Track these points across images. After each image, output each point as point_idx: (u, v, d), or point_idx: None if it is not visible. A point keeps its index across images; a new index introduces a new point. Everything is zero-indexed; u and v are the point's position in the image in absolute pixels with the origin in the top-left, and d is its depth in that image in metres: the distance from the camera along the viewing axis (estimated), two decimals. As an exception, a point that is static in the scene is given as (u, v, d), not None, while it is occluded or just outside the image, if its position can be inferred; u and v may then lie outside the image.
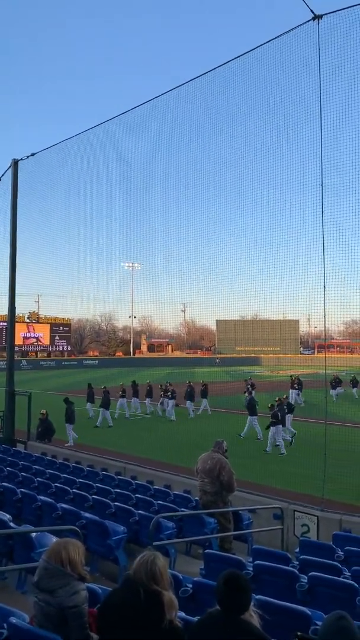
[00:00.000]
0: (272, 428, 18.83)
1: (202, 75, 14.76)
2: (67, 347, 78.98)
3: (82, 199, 25.48)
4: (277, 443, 18.76)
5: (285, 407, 20.24)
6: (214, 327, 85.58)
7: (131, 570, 3.33)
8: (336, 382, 33.40)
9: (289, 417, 20.59)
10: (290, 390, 30.86)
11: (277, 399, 20.61)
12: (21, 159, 20.52)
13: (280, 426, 19.01)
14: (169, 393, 26.64)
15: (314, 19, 10.72)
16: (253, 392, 28.44)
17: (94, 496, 9.66)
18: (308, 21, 10.82)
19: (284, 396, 22.85)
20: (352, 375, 36.87)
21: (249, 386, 30.14)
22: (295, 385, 31.19)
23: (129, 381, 29.71)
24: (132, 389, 28.94)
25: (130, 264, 54.82)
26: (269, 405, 19.82)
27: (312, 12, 10.54)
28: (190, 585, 5.12)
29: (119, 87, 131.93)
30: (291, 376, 32.90)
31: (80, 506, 9.11)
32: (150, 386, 28.98)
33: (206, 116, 18.04)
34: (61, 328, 77.66)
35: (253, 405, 21.59)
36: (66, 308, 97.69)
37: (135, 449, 19.16)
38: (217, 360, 72.43)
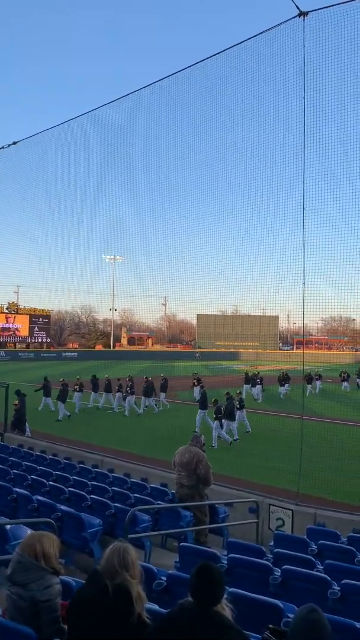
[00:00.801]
0: (214, 423, 18.97)
1: (184, 69, 14.68)
2: (47, 339, 78.30)
3: (64, 191, 25.26)
4: (220, 437, 18.89)
5: (236, 402, 20.36)
6: (194, 322, 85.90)
7: (102, 562, 3.30)
8: (310, 378, 34.02)
9: (240, 413, 20.69)
10: (245, 386, 31.12)
11: (226, 393, 20.78)
12: (2, 148, 20.20)
13: (224, 421, 19.13)
14: (128, 388, 26.31)
15: (299, 15, 10.73)
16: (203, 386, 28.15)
17: (70, 489, 9.62)
18: (294, 17, 10.83)
19: (237, 392, 22.65)
20: (341, 371, 37.51)
21: (195, 381, 29.70)
22: (257, 380, 31.38)
23: (104, 374, 29.62)
24: (91, 383, 28.51)
25: (112, 257, 54.58)
26: (213, 400, 20.13)
27: (298, 9, 10.55)
28: (165, 578, 5.13)
29: (97, 79, 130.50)
30: (246, 372, 33.10)
31: (56, 499, 9.07)
32: (109, 380, 28.37)
33: (189, 111, 18.01)
34: (41, 319, 76.94)
35: (205, 400, 21.59)
36: (46, 299, 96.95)
37: (112, 441, 19.13)
38: (197, 355, 72.65)
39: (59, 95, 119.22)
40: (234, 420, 19.75)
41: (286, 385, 33.01)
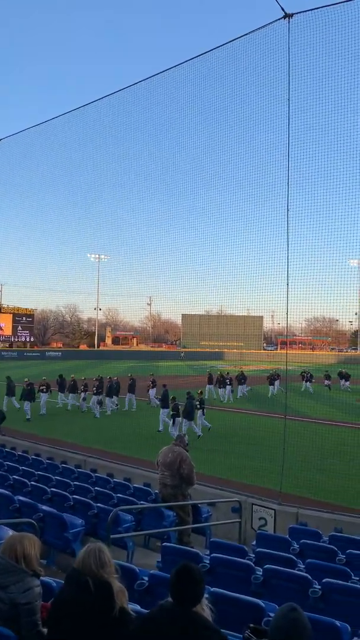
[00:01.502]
0: (174, 420, 19.10)
1: (169, 69, 14.70)
2: (30, 338, 77.64)
3: (47, 189, 25.07)
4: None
5: (196, 402, 20.42)
6: (179, 321, 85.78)
7: (77, 563, 3.28)
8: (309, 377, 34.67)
9: (200, 413, 20.76)
10: (207, 386, 30.84)
11: (187, 392, 20.85)
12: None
13: (179, 419, 19.21)
14: (94, 388, 25.87)
15: (285, 17, 10.79)
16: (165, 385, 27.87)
17: (52, 489, 9.56)
18: (279, 19, 10.88)
19: (199, 391, 22.54)
20: (343, 370, 37.54)
21: (150, 382, 29.00)
22: (227, 381, 30.95)
23: (92, 374, 29.38)
24: (57, 384, 27.99)
25: (97, 256, 54.31)
26: (171, 398, 20.28)
27: (283, 11, 10.61)
28: (147, 578, 5.12)
29: (94, 79, 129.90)
30: (209, 372, 32.67)
31: (39, 499, 9.00)
32: (75, 381, 27.73)
33: (174, 112, 17.99)
34: (24, 318, 76.24)
35: (166, 399, 21.57)
36: (30, 298, 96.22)
37: (96, 441, 19.05)
38: (182, 355, 72.58)
39: (57, 95, 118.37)
40: (192, 419, 19.89)
41: (276, 384, 33.23)
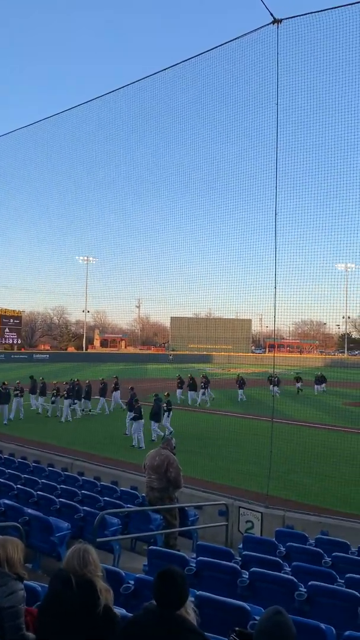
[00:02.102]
0: (134, 423, 19.10)
1: (157, 72, 14.73)
2: (17, 340, 77.15)
3: (36, 190, 24.95)
4: (139, 437, 19.01)
5: (164, 404, 20.45)
6: (168, 324, 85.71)
7: (63, 563, 3.30)
8: (278, 381, 34.11)
9: (167, 415, 20.82)
10: (178, 390, 30.44)
11: (154, 394, 20.87)
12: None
13: (142, 421, 19.24)
14: (65, 392, 25.16)
15: (273, 22, 10.88)
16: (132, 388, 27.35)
17: (38, 492, 9.50)
18: (268, 24, 10.97)
19: (166, 393, 22.35)
20: (319, 373, 37.47)
21: (114, 385, 28.43)
22: (202, 384, 30.59)
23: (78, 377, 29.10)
24: (31, 385, 27.56)
25: (86, 258, 54.13)
26: (134, 400, 20.37)
27: (272, 16, 10.69)
28: (132, 582, 5.10)
29: (72, 81, 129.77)
30: (179, 375, 31.92)
31: (24, 502, 8.94)
32: (44, 383, 27.29)
33: (163, 115, 18.04)
34: (11, 320, 75.75)
35: (132, 402, 21.47)
36: (17, 300, 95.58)
37: (83, 444, 18.98)
38: (170, 357, 72.53)
39: (53, 96, 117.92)
40: (159, 421, 19.95)
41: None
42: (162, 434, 19.79)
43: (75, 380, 26.95)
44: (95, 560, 3.29)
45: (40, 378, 28.09)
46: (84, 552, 3.28)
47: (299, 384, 36.44)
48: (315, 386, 36.67)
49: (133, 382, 29.17)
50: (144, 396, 23.88)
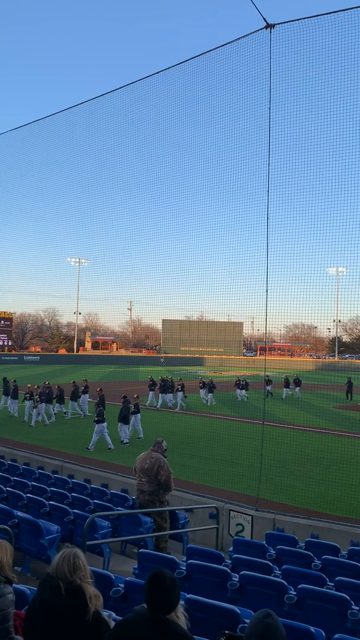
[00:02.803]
0: (96, 426, 19.08)
1: (150, 76, 14.77)
2: (8, 342, 76.79)
3: (27, 191, 24.85)
4: (92, 441, 18.95)
5: (132, 407, 20.46)
6: (159, 327, 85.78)
7: (51, 568, 3.24)
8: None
9: (136, 417, 20.79)
10: (150, 392, 30.07)
11: (123, 396, 20.86)
12: None
13: (105, 424, 19.18)
14: (37, 396, 24.34)
15: (266, 27, 10.94)
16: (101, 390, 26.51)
17: (28, 495, 9.44)
18: (261, 29, 11.03)
19: (135, 395, 22.26)
20: (295, 376, 36.83)
21: (83, 387, 27.65)
22: (178, 387, 29.87)
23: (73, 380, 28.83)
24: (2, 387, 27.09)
25: (77, 260, 54.06)
26: (95, 403, 20.42)
27: (265, 21, 10.76)
28: (122, 585, 5.08)
29: (70, 81, 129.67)
30: (150, 377, 31.41)
31: (14, 505, 8.89)
32: (16, 386, 26.72)
33: (156, 119, 18.06)
34: (2, 322, 75.38)
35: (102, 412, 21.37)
36: (8, 301, 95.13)
37: (74, 447, 18.92)
38: (162, 360, 72.54)
39: (45, 99, 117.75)
40: (128, 423, 19.93)
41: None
42: (124, 440, 19.81)
43: (46, 383, 26.44)
44: (85, 565, 3.26)
45: (13, 380, 27.63)
46: (74, 557, 3.23)
47: (268, 387, 34.60)
48: (285, 389, 35.54)
49: (125, 384, 29.14)
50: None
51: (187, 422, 22.88)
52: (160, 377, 30.63)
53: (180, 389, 29.60)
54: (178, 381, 30.44)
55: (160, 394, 29.55)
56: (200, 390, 32.19)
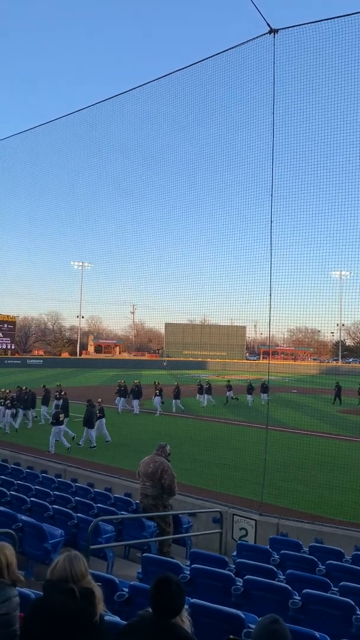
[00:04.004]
0: (53, 428, 19.17)
1: (153, 80, 14.84)
2: (11, 346, 76.87)
3: (31, 195, 24.97)
4: (57, 439, 19.08)
5: (97, 410, 20.47)
6: (162, 330, 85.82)
7: (55, 572, 3.20)
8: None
9: (100, 422, 20.81)
10: (118, 398, 29.53)
11: (87, 400, 20.87)
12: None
13: (62, 426, 19.41)
14: (7, 401, 23.80)
15: (270, 32, 10.99)
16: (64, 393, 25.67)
17: (32, 499, 9.44)
18: (264, 34, 11.08)
19: (99, 399, 21.93)
20: (263, 381, 35.34)
21: (57, 393, 25.97)
22: (157, 392, 29.41)
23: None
24: None
25: (80, 263, 54.18)
26: (54, 405, 20.50)
27: (269, 26, 10.81)
28: (127, 590, 5.08)
29: (73, 86, 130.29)
30: (119, 383, 30.81)
31: (18, 509, 8.88)
32: None
33: (160, 124, 18.14)
34: (5, 325, 75.49)
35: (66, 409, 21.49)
36: (11, 305, 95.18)
37: (77, 450, 18.94)
38: (165, 363, 72.51)
39: (49, 102, 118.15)
40: (92, 427, 19.93)
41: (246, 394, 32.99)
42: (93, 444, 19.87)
43: (24, 388, 25.82)
44: (86, 566, 3.24)
45: None
46: (77, 560, 3.21)
47: (229, 393, 34.15)
48: (248, 396, 33.77)
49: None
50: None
51: (190, 426, 22.86)
52: (134, 382, 29.95)
53: (158, 394, 29.16)
54: (156, 386, 29.93)
55: (132, 400, 29.02)
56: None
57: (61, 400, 22.16)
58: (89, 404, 20.36)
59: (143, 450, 10.80)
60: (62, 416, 19.55)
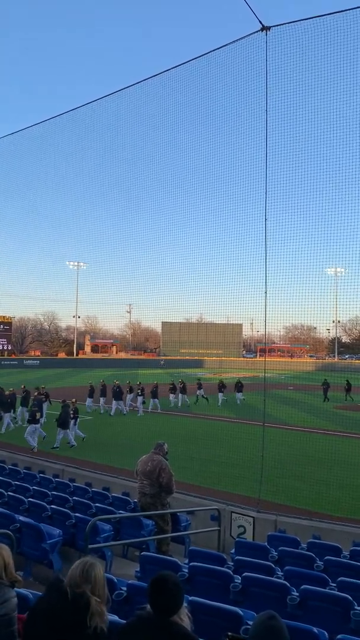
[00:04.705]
0: (29, 426, 19.27)
1: (147, 79, 14.82)
2: (8, 346, 76.72)
3: (25, 195, 24.89)
4: (31, 442, 19.05)
5: (71, 411, 20.48)
6: (159, 329, 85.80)
7: (68, 573, 3.23)
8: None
9: (75, 422, 20.89)
10: (88, 399, 29.30)
11: (62, 400, 20.90)
12: None
13: (37, 425, 19.45)
14: None
15: (262, 29, 10.99)
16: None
17: (30, 499, 9.42)
18: (257, 32, 11.08)
19: (73, 400, 22.01)
20: (237, 380, 34.90)
21: (43, 395, 25.82)
22: (138, 391, 29.34)
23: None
24: None
25: (76, 263, 54.09)
26: (30, 406, 20.52)
27: (261, 23, 10.80)
28: (125, 588, 5.08)
29: (63, 87, 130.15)
30: (91, 384, 30.54)
31: (15, 509, 8.86)
32: None
33: (153, 121, 18.12)
34: (1, 326, 75.31)
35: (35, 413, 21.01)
36: (7, 306, 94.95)
37: (74, 451, 18.92)
38: (162, 362, 72.55)
39: (43, 103, 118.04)
40: (67, 428, 19.92)
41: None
42: (70, 444, 19.90)
43: (11, 390, 25.33)
44: (98, 579, 3.18)
45: None
46: (89, 566, 3.19)
47: (199, 391, 33.46)
48: (219, 395, 32.93)
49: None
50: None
51: (187, 424, 22.87)
52: (114, 382, 29.65)
53: (140, 394, 29.08)
54: (138, 385, 29.82)
55: (113, 401, 28.77)
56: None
57: (40, 399, 22.16)
58: (63, 404, 20.43)
59: (141, 450, 10.81)
60: (38, 414, 19.66)
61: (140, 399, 29.04)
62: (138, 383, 30.22)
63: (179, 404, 31.66)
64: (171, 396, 31.86)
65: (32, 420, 19.16)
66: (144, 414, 28.46)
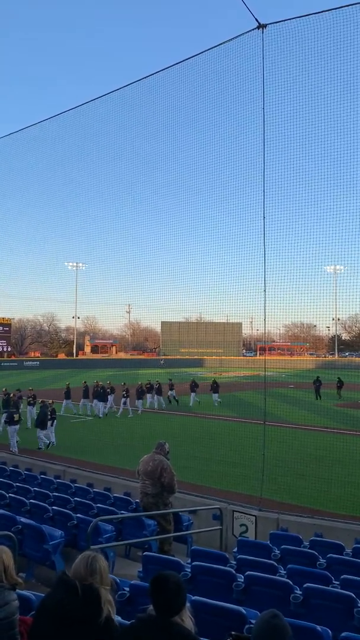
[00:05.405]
0: (9, 428, 19.36)
1: (143, 78, 14.79)
2: (7, 348, 76.70)
3: (23, 195, 24.86)
4: (11, 444, 19.16)
5: (49, 411, 20.44)
6: (158, 329, 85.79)
7: (71, 569, 3.24)
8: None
9: (53, 422, 20.85)
10: (65, 401, 28.76)
11: (40, 401, 21.01)
12: None
13: (16, 427, 19.47)
14: None
15: (258, 27, 10.97)
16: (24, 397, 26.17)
17: (31, 500, 9.42)
18: (253, 29, 11.06)
19: (50, 401, 21.95)
20: (213, 379, 34.52)
21: (30, 398, 25.91)
22: (124, 392, 29.00)
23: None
24: None
25: (75, 264, 54.05)
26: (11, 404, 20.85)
27: (257, 21, 10.79)
28: (128, 589, 5.07)
29: (62, 86, 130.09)
30: (85, 383, 30.19)
31: (17, 511, 8.86)
32: None
33: (150, 121, 18.10)
34: (1, 328, 75.34)
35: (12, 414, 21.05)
36: (6, 307, 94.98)
37: (76, 451, 18.91)
38: (162, 362, 72.55)
39: (44, 100, 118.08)
40: (45, 428, 19.96)
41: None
42: (48, 441, 20.07)
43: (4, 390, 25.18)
44: (102, 569, 3.23)
45: None
46: (92, 560, 3.23)
47: (171, 392, 32.38)
48: (192, 395, 32.26)
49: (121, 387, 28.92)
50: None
51: (187, 423, 22.85)
52: (95, 382, 29.63)
53: (125, 395, 28.91)
54: (123, 386, 29.61)
55: (94, 400, 28.68)
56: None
57: (18, 402, 22.44)
58: (42, 405, 20.44)
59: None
60: (16, 416, 19.75)
61: (127, 400, 28.87)
62: (122, 384, 30.08)
63: (155, 405, 31.49)
64: (148, 396, 31.48)
65: (10, 422, 19.24)
66: (134, 414, 28.33)
